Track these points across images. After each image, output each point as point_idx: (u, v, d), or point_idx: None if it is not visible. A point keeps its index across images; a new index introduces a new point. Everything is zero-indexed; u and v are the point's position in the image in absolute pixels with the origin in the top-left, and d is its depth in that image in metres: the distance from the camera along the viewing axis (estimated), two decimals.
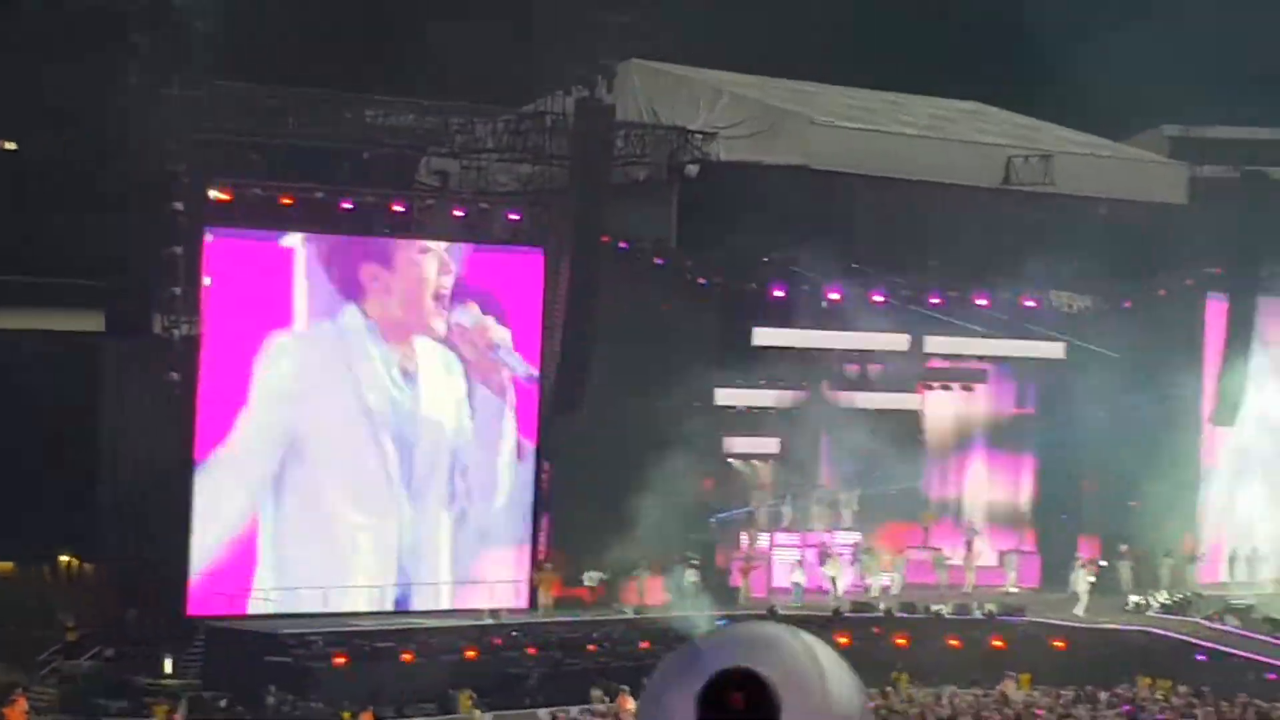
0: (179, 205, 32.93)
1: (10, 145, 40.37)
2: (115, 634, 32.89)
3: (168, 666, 31.72)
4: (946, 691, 33.12)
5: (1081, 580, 39.07)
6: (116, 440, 34.08)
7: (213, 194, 33.32)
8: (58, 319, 36.95)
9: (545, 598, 35.56)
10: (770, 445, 40.79)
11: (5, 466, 35.09)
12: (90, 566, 36.92)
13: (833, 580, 38.85)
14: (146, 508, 33.37)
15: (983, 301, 40.83)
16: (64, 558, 38.09)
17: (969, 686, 33.70)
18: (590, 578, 36.21)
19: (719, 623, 35.40)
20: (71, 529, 35.58)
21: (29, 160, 37.59)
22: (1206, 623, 37.65)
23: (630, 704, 31.56)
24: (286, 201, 33.90)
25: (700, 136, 38.50)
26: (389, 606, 34.46)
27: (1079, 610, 38.29)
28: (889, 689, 32.93)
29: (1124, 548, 41.23)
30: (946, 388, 41.96)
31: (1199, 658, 36.00)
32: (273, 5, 39.02)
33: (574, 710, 31.74)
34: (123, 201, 32.91)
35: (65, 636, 33.11)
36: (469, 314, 35.31)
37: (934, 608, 37.56)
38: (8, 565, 37.96)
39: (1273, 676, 34.88)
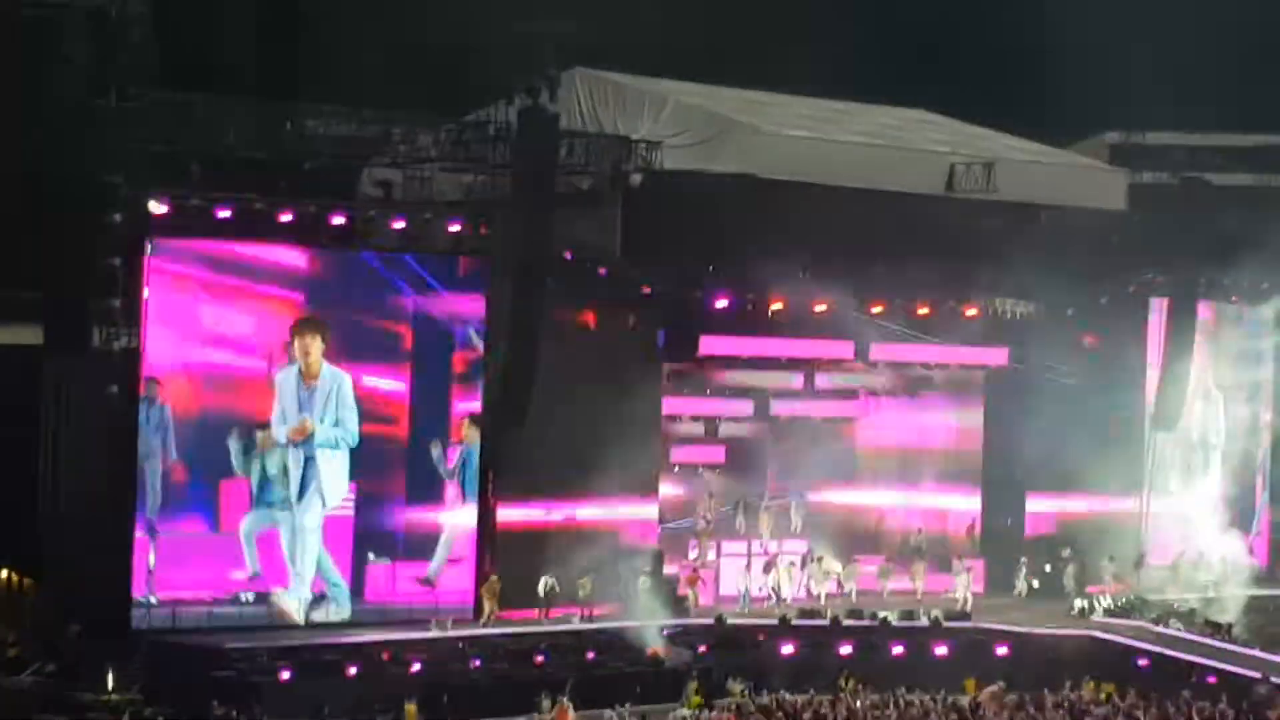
0: (117, 216, 32.68)
1: None
2: (57, 649, 32.58)
3: (110, 682, 31.45)
4: (899, 694, 33.15)
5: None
6: (57, 453, 33.74)
7: (151, 205, 33.05)
8: None
9: (490, 609, 35.37)
10: (717, 454, 40.76)
11: None
12: (31, 581, 36.55)
13: (775, 590, 38.86)
14: (88, 522, 33.05)
15: (926, 309, 40.98)
16: (4, 573, 37.70)
17: (914, 692, 33.73)
18: (543, 584, 35.96)
19: (667, 631, 35.44)
20: (12, 544, 35.19)
21: None
22: (1150, 626, 37.94)
23: (570, 715, 31.46)
24: (225, 213, 33.65)
25: (645, 145, 38.48)
26: (329, 615, 34.26)
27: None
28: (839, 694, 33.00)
29: (1066, 552, 41.47)
30: (892, 395, 42.05)
31: (1142, 661, 36.29)
32: (211, 15, 38.76)
33: None
34: (60, 213, 32.61)
35: (6, 652, 32.78)
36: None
37: (880, 614, 37.65)
38: None
39: (1214, 679, 35.13)
